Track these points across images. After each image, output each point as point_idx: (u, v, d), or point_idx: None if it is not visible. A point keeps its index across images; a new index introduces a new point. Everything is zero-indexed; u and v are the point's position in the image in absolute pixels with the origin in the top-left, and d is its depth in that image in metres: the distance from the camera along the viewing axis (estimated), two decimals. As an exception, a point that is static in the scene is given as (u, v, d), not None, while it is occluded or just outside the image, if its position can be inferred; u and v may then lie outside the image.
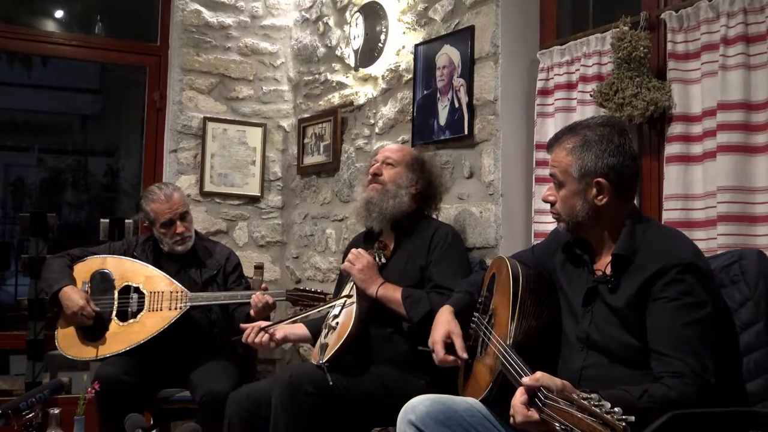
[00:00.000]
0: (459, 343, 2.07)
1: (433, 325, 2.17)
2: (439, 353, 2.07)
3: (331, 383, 2.33)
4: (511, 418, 1.57)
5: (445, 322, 2.13)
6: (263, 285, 3.08)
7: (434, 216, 2.88)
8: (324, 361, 2.41)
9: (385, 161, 2.77)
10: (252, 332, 2.70)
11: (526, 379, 1.54)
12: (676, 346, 1.66)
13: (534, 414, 1.50)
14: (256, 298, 2.93)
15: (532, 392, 1.51)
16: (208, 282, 3.16)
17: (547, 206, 2.02)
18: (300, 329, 2.82)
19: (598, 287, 1.86)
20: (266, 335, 2.69)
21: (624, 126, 1.95)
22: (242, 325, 2.77)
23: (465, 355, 2.05)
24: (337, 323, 2.55)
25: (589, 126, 1.90)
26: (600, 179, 1.84)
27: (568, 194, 1.89)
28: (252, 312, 2.93)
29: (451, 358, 2.06)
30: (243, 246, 4.33)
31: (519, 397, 1.54)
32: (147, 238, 3.26)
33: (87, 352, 2.97)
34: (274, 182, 4.48)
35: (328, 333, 2.57)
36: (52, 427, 2.24)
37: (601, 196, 1.85)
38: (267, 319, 2.97)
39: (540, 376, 1.52)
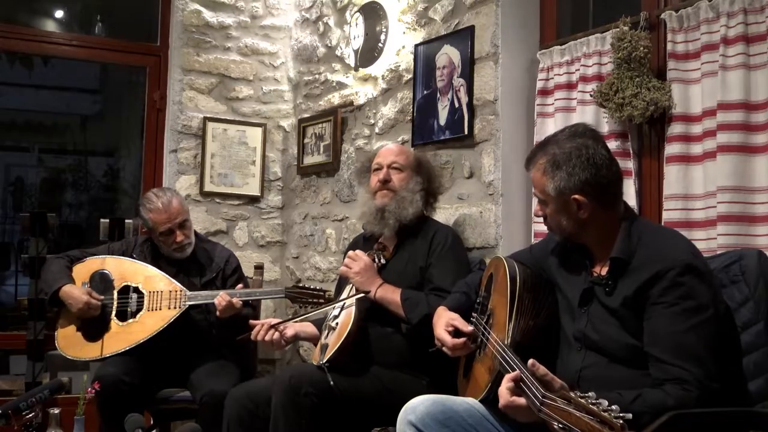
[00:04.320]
0: (460, 323, 2.07)
1: (433, 326, 2.17)
2: (448, 341, 2.06)
3: (331, 383, 2.32)
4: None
5: (442, 317, 2.14)
6: (239, 285, 3.08)
7: (431, 215, 2.87)
8: (324, 361, 2.40)
9: (392, 166, 2.74)
10: (262, 330, 2.67)
11: (532, 362, 1.56)
12: (677, 352, 1.65)
13: (517, 399, 1.55)
14: (219, 299, 2.92)
15: (518, 377, 1.56)
16: (207, 285, 3.15)
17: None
18: (309, 327, 2.80)
19: (594, 288, 1.86)
20: (277, 333, 2.66)
21: (594, 132, 1.91)
22: (252, 322, 2.75)
23: (470, 328, 2.05)
24: (337, 323, 2.55)
25: (558, 142, 1.88)
26: (576, 196, 1.83)
27: (552, 212, 1.90)
28: (218, 313, 2.93)
29: (461, 340, 2.05)
30: (243, 246, 4.33)
31: (505, 383, 1.59)
32: (146, 239, 3.25)
33: (87, 353, 2.98)
34: (274, 182, 4.48)
35: (328, 334, 2.57)
36: (52, 427, 2.24)
37: (582, 211, 1.84)
38: (246, 319, 2.95)
39: (545, 371, 1.54)
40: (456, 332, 2.07)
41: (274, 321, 2.72)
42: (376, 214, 2.69)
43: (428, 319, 2.25)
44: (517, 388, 1.57)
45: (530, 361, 1.55)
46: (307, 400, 2.30)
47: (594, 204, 1.83)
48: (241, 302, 2.96)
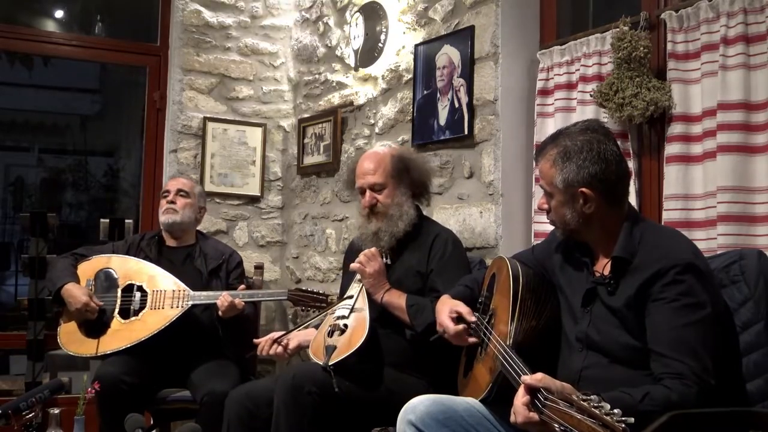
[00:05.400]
0: (464, 309, 2.07)
1: (436, 313, 2.16)
2: (450, 327, 2.06)
3: (336, 389, 2.32)
4: (512, 416, 1.58)
5: (446, 304, 2.14)
6: (241, 287, 3.10)
7: (426, 208, 2.85)
8: (331, 364, 2.37)
9: (372, 188, 2.67)
10: (266, 345, 2.72)
11: (526, 378, 1.54)
12: (676, 347, 1.66)
13: (535, 415, 1.50)
14: (222, 300, 2.97)
15: (533, 393, 1.51)
16: (213, 273, 3.22)
17: (546, 207, 2.02)
18: (312, 335, 2.79)
19: (597, 288, 1.86)
20: (280, 347, 2.71)
21: (606, 129, 1.92)
22: (255, 341, 2.78)
23: (473, 318, 2.05)
24: (346, 325, 2.52)
25: (570, 134, 1.88)
26: (584, 189, 1.83)
27: (557, 204, 1.89)
28: (220, 312, 2.97)
29: (462, 326, 2.05)
30: (243, 246, 4.33)
31: (521, 397, 1.54)
32: (154, 234, 3.33)
33: (88, 349, 2.99)
34: (274, 182, 4.48)
35: (333, 332, 2.52)
36: (52, 427, 2.24)
37: (588, 205, 1.84)
38: (245, 318, 2.96)
39: (541, 377, 1.52)
40: (459, 319, 2.07)
41: (277, 335, 2.74)
42: (372, 237, 2.68)
43: (433, 328, 2.24)
44: (531, 401, 1.53)
45: (538, 375, 1.55)
46: (310, 398, 2.30)
47: (600, 199, 1.83)
48: (243, 303, 2.99)
